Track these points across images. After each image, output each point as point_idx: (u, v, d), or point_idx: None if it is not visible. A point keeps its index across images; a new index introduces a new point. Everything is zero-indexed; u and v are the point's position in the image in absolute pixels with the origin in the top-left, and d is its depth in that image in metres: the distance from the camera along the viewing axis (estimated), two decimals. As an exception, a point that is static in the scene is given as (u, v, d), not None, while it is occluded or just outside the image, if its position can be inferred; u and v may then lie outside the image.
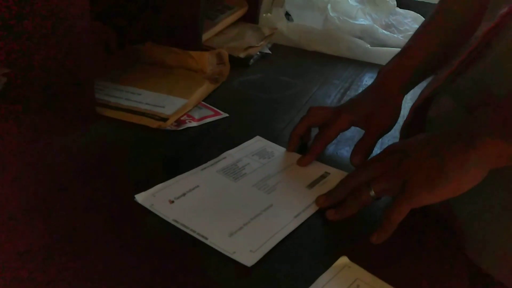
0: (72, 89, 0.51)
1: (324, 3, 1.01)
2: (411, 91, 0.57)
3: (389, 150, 0.41)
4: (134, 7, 0.75)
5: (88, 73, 0.52)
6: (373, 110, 0.52)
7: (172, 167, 0.48)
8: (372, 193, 0.39)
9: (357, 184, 0.41)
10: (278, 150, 0.54)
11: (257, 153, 0.52)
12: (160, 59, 0.73)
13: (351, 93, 0.75)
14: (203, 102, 0.64)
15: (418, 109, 0.49)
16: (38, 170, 0.45)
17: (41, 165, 0.46)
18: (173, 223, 0.39)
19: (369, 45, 0.94)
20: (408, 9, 1.20)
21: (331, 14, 0.96)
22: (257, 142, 0.55)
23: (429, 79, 0.55)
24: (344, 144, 0.58)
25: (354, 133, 0.61)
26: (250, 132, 0.57)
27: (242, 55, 0.80)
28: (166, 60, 0.73)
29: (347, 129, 0.53)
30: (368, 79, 0.83)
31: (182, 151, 0.52)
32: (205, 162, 0.49)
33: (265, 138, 0.56)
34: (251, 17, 0.96)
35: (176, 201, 0.41)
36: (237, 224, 0.39)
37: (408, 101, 0.62)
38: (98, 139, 0.52)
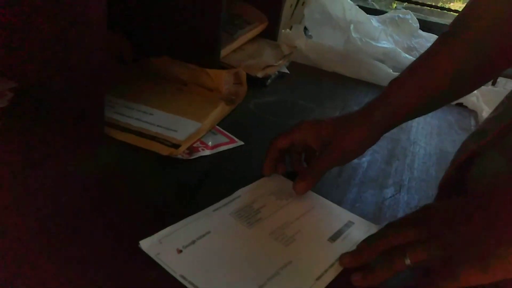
0: (82, 106, 0.46)
1: (346, 23, 0.95)
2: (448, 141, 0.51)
3: (426, 212, 0.36)
4: (151, 18, 0.70)
5: (100, 89, 0.47)
6: (340, 127, 0.45)
7: (182, 203, 0.43)
8: (408, 261, 0.33)
9: (388, 248, 0.35)
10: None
11: (274, 193, 0.46)
12: (175, 74, 0.68)
13: (373, 123, 0.70)
14: (217, 127, 0.58)
15: (460, 163, 0.43)
16: (35, 201, 0.40)
17: (39, 195, 0.41)
18: (180, 279, 0.33)
19: (391, 70, 0.89)
20: (431, 32, 1.14)
21: (353, 35, 0.91)
22: (274, 179, 0.49)
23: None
24: (368, 186, 0.52)
25: (378, 172, 0.56)
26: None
27: (259, 74, 0.75)
28: (181, 76, 0.68)
29: (300, 141, 0.47)
30: (389, 108, 0.77)
31: (194, 184, 0.46)
32: (218, 199, 0.44)
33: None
34: (270, 33, 0.90)
35: (185, 250, 0.36)
36: (253, 285, 0.33)
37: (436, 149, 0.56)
38: (103, 165, 0.46)
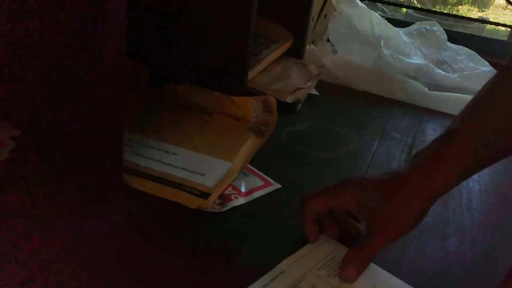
0: (97, 149, 0.39)
1: (376, 38, 0.87)
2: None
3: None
4: (169, 41, 0.63)
5: (118, 126, 0.40)
6: (392, 195, 0.36)
7: (212, 275, 0.35)
8: None
9: None
10: None
11: (324, 266, 0.37)
12: (197, 102, 0.60)
13: (418, 153, 0.61)
14: (249, 165, 0.51)
15: None
16: (43, 276, 0.32)
17: (48, 267, 0.33)
18: None
19: (426, 89, 0.80)
20: (458, 43, 1.06)
21: (384, 51, 0.83)
22: (324, 245, 0.39)
23: None
24: (428, 236, 0.44)
25: (436, 217, 0.47)
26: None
27: (289, 99, 0.67)
28: (203, 104, 0.60)
29: (341, 208, 0.39)
30: (431, 132, 0.69)
31: (226, 248, 0.38)
32: (255, 265, 0.36)
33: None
34: (295, 51, 0.83)
35: None
36: None
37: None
38: (118, 225, 0.39)
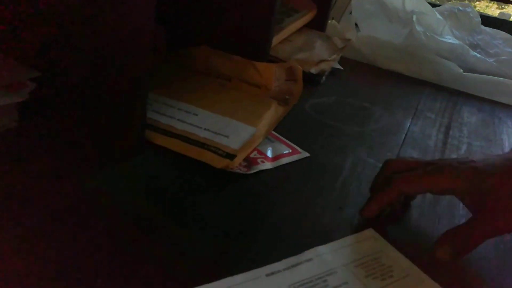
0: (121, 101, 0.39)
1: (407, 14, 0.88)
2: None
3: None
4: (188, 1, 0.63)
5: (144, 80, 0.40)
6: (502, 187, 0.35)
7: (233, 246, 0.35)
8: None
9: None
10: (401, 265, 0.35)
11: (365, 264, 0.34)
12: (216, 67, 0.60)
13: (455, 134, 0.62)
14: (274, 133, 0.51)
15: None
16: (51, 227, 0.33)
17: (63, 219, 0.34)
18: None
19: (461, 70, 0.81)
20: (492, 27, 1.06)
21: (417, 28, 0.83)
22: (371, 241, 0.37)
23: None
24: None
25: None
26: (343, 191, 0.44)
27: (314, 70, 0.67)
28: (222, 69, 0.60)
29: (441, 191, 0.39)
30: (468, 115, 0.69)
31: (252, 215, 0.39)
32: (281, 243, 0.36)
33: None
34: (318, 23, 0.83)
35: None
36: None
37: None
38: (139, 180, 0.39)
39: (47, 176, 0.36)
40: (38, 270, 0.29)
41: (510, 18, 1.62)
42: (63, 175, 0.36)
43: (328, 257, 0.34)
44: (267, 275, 0.32)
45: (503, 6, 2.70)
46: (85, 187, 0.36)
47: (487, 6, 2.82)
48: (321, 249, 0.35)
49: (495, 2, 2.77)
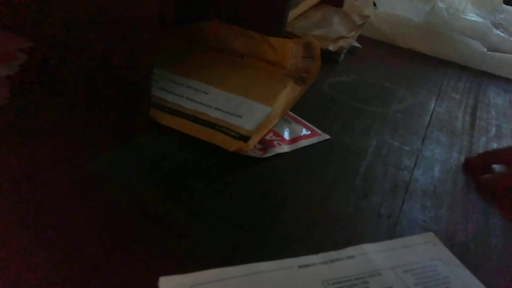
0: (123, 78, 0.34)
1: (429, -10, 0.80)
2: None
3: None
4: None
5: (149, 54, 0.35)
6: None
7: (245, 239, 0.30)
8: None
9: None
10: (461, 277, 0.29)
11: (416, 272, 0.28)
12: (228, 43, 0.55)
13: (482, 115, 0.56)
14: (290, 113, 0.46)
15: None
16: (52, 216, 0.28)
17: (51, 205, 0.29)
18: None
19: (485, 49, 0.74)
20: (513, 6, 0.98)
21: (439, 4, 0.76)
22: (425, 246, 0.32)
23: None
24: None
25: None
26: (367, 176, 0.39)
27: (332, 47, 0.61)
28: (235, 46, 0.55)
29: None
30: (494, 96, 0.63)
31: (267, 204, 0.33)
32: (299, 235, 0.31)
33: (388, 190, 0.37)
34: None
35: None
36: None
37: None
38: (143, 163, 0.34)
39: (50, 157, 0.31)
40: (42, 254, 0.24)
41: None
42: (64, 157, 0.32)
43: (374, 257, 0.29)
44: (300, 266, 0.27)
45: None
46: (87, 169, 0.31)
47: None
48: (368, 247, 0.30)
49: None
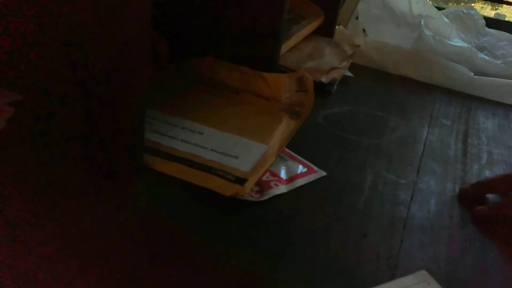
0: (113, 123, 0.32)
1: (415, 18, 0.80)
2: None
3: None
4: (192, 10, 0.56)
5: (139, 97, 0.33)
6: None
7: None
8: None
9: None
10: None
11: None
12: (223, 79, 0.53)
13: (474, 141, 0.54)
14: (286, 150, 0.44)
15: None
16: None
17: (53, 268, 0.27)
18: None
19: (472, 74, 0.73)
20: (496, 29, 0.98)
21: (425, 32, 0.75)
22: (419, 286, 0.30)
23: None
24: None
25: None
26: (365, 214, 0.37)
27: (324, 79, 0.60)
28: (229, 81, 0.53)
29: None
30: (484, 119, 0.61)
31: (266, 252, 0.32)
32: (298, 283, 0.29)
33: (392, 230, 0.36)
34: (326, 29, 0.75)
35: None
36: None
37: None
38: (136, 217, 0.32)
39: (34, 218, 0.29)
40: None
41: (505, 18, 1.53)
42: (49, 218, 0.30)
43: None
44: None
45: (497, 7, 2.59)
46: (78, 227, 0.30)
47: (482, 7, 2.71)
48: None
49: (489, 3, 2.66)
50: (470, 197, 0.42)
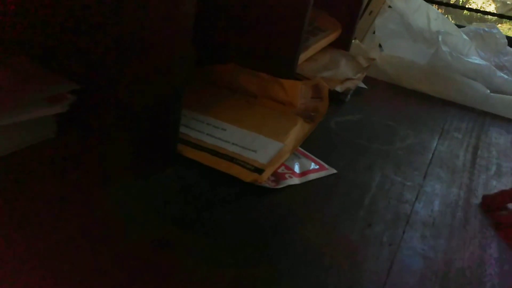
0: (157, 115, 0.41)
1: (433, 34, 0.89)
2: None
3: None
4: (217, 18, 0.65)
5: (179, 95, 0.42)
6: None
7: (256, 268, 0.36)
8: None
9: None
10: None
11: None
12: (243, 84, 0.62)
13: (484, 154, 0.61)
14: (300, 149, 0.52)
15: None
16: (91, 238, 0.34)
17: (99, 226, 0.35)
18: None
19: (488, 91, 0.81)
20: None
21: (443, 48, 0.84)
22: None
23: None
24: None
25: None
26: (371, 208, 0.45)
27: (339, 88, 0.68)
28: (249, 87, 0.62)
29: None
30: (497, 135, 0.69)
31: (279, 231, 0.39)
32: (308, 260, 0.36)
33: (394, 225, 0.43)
34: (343, 42, 0.84)
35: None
36: None
37: None
38: (175, 191, 0.41)
39: (83, 186, 0.37)
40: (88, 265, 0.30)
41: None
42: (94, 188, 0.38)
43: None
44: None
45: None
46: (118, 199, 0.38)
47: (509, 28, 2.81)
48: None
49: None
50: (493, 204, 0.49)
